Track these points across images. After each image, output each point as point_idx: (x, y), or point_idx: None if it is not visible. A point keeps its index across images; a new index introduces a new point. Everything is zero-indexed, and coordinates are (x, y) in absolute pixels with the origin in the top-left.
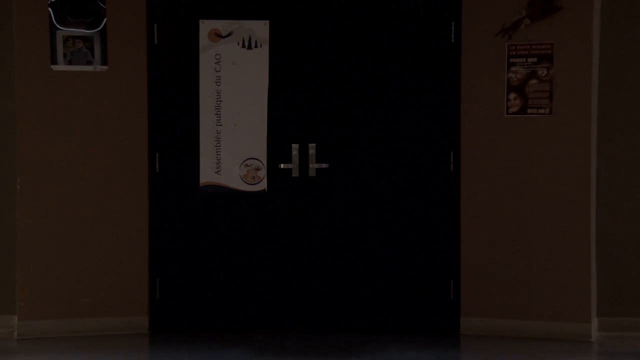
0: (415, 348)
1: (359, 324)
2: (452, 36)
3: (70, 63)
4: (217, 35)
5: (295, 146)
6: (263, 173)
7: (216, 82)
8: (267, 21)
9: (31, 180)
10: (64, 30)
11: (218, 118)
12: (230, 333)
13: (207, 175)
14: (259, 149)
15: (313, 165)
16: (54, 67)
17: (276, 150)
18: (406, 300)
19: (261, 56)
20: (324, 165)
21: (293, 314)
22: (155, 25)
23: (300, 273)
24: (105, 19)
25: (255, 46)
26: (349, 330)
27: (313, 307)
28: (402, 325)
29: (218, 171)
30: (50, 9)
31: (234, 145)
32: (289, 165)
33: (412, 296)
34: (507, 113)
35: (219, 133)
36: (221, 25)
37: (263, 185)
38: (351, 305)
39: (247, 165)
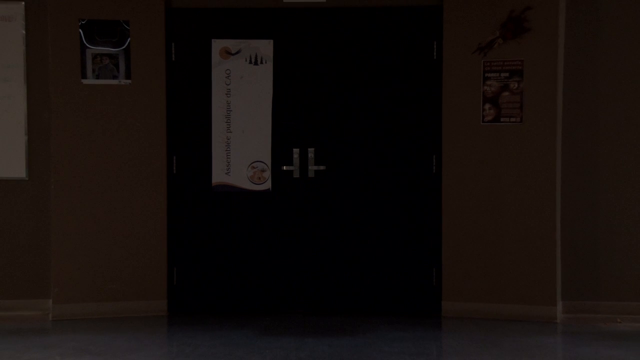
0: (402, 328)
1: (352, 308)
2: (434, 54)
3: (98, 77)
4: (227, 53)
5: (296, 150)
6: (268, 174)
7: (226, 94)
8: (272, 40)
9: (64, 180)
10: (93, 49)
11: (228, 126)
12: (239, 315)
13: (218, 176)
14: (264, 153)
15: (312, 168)
16: (84, 81)
17: (279, 154)
18: (393, 286)
19: (266, 71)
20: (322, 168)
21: (294, 299)
22: (173, 44)
23: (300, 262)
24: (129, 39)
25: (261, 62)
26: (343, 313)
27: (311, 292)
28: (389, 308)
29: (228, 172)
30: (81, 30)
31: (242, 150)
32: (291, 167)
33: (399, 283)
34: (483, 121)
35: (228, 139)
36: (231, 44)
37: (268, 185)
38: (345, 291)
39: (253, 167)
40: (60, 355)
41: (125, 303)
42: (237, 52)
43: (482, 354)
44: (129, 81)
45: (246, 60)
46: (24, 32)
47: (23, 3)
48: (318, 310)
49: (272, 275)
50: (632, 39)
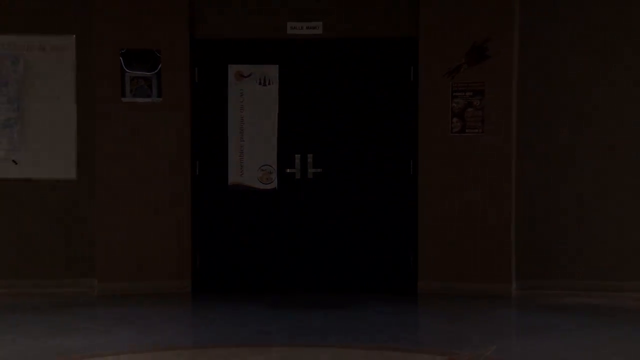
0: (384, 303)
1: (344, 286)
2: (412, 76)
3: (135, 96)
4: (241, 76)
5: (297, 156)
6: (274, 176)
7: (240, 109)
8: (277, 65)
9: (106, 180)
10: (131, 73)
11: (241, 135)
12: (251, 293)
13: (233, 177)
14: (271, 158)
15: (311, 170)
16: (124, 99)
17: (284, 158)
18: (378, 268)
19: (273, 91)
20: (319, 170)
21: (296, 279)
22: (196, 68)
23: (302, 249)
24: (160, 64)
25: (269, 83)
26: (337, 290)
27: (311, 274)
28: (375, 286)
29: (241, 174)
30: (121, 58)
31: (253, 155)
32: (293, 170)
33: (382, 265)
34: (452, 132)
35: (242, 146)
36: (244, 68)
37: (274, 184)
38: (338, 273)
39: (262, 170)
40: (104, 325)
41: (156, 282)
42: (249, 75)
43: (452, 323)
44: (160, 99)
45: (256, 82)
46: (74, 59)
47: (74, 36)
48: (316, 289)
49: (279, 260)
50: (576, 61)
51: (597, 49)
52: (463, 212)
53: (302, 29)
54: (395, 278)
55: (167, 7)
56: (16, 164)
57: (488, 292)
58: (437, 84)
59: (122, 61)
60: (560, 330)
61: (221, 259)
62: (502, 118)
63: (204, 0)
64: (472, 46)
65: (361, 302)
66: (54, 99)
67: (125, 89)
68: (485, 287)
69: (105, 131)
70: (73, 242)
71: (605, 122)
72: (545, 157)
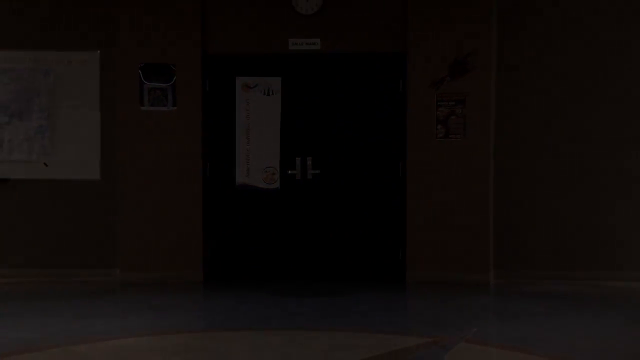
0: (376, 291)
1: (339, 276)
2: (401, 88)
3: (152, 105)
4: (247, 87)
5: (298, 159)
6: (277, 176)
7: (246, 117)
8: (280, 78)
9: (127, 180)
10: (149, 84)
11: (247, 140)
12: (257, 282)
13: (240, 178)
14: (275, 161)
15: (310, 171)
16: (142, 108)
17: (286, 161)
18: (370, 260)
19: (276, 100)
20: (317, 171)
21: (297, 269)
22: (207, 80)
23: (302, 242)
24: (175, 77)
25: (272, 94)
26: (333, 280)
27: (310, 265)
28: (367, 276)
29: (247, 175)
30: (140, 71)
31: (258, 158)
32: (294, 171)
33: (374, 257)
34: (436, 137)
35: (248, 150)
36: (250, 80)
37: (277, 184)
38: (334, 264)
39: (266, 171)
40: (126, 310)
41: (172, 272)
42: (255, 86)
43: (436, 309)
44: (174, 108)
45: (261, 92)
46: (98, 72)
47: (98, 51)
48: (314, 278)
49: (281, 252)
50: (550, 69)
51: (565, 62)
52: (447, 209)
53: (302, 45)
54: (386, 269)
55: (181, 26)
56: (47, 166)
57: (469, 281)
58: (424, 94)
59: (141, 74)
60: (535, 315)
61: (229, 252)
62: (481, 124)
63: (215, 19)
64: (454, 61)
65: (355, 291)
66: (80, 107)
67: (143, 99)
68: (467, 276)
69: (126, 136)
70: (97, 236)
71: (579, 121)
72: (520, 159)
